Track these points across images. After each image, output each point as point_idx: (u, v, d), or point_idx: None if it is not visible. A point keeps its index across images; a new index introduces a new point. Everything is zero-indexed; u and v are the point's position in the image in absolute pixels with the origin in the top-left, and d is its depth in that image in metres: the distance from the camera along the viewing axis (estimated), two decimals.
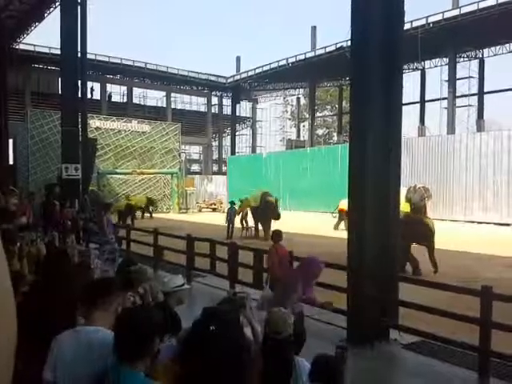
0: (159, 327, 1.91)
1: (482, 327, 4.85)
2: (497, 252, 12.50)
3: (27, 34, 31.23)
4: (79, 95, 15.52)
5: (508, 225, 20.49)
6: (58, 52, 15.11)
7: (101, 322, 2.21)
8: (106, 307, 2.26)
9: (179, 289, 3.53)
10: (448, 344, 5.35)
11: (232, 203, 17.35)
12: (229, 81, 47.71)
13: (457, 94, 34.08)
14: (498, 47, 34.13)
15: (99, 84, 41.33)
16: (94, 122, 28.60)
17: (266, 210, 16.58)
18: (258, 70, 43.88)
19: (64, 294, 2.67)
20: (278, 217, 16.43)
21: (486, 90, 36.01)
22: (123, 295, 2.43)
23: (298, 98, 54.83)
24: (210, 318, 1.62)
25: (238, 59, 51.93)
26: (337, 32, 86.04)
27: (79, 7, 15.10)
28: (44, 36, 32.18)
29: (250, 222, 17.65)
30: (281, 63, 40.93)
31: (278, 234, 6.54)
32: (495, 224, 20.86)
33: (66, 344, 2.17)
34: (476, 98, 35.70)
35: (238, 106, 51.96)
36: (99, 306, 2.26)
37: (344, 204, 18.06)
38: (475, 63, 35.68)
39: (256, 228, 17.12)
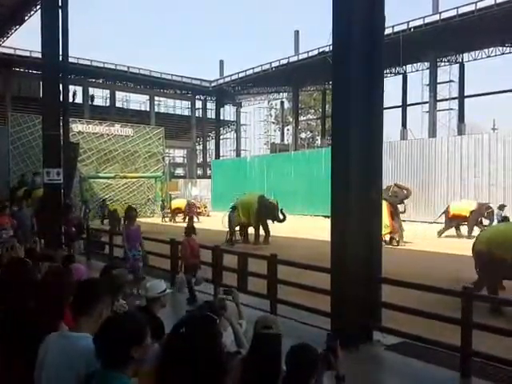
0: (138, 333, 1.89)
1: (463, 328, 4.93)
2: None
3: (7, 38, 30.84)
4: (61, 99, 15.33)
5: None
6: (39, 55, 14.90)
7: (86, 328, 2.19)
8: (91, 312, 2.25)
9: (162, 294, 3.54)
10: (430, 345, 5.41)
11: (233, 208, 17.00)
12: (212, 85, 47.73)
13: (438, 98, 34.59)
14: (477, 52, 34.78)
15: (81, 88, 40.97)
16: (77, 126, 28.28)
17: (268, 211, 16.80)
18: (241, 74, 44.02)
19: (33, 301, 2.66)
20: (283, 219, 17.00)
21: (466, 94, 36.65)
22: (107, 300, 2.41)
23: (282, 102, 55.10)
24: (181, 322, 1.63)
25: (222, 63, 52.01)
26: (319, 36, 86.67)
27: (60, 10, 14.95)
28: (25, 39, 31.94)
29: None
30: (264, 67, 41.12)
31: (190, 228, 8.28)
32: (476, 225, 21.14)
33: (53, 348, 2.18)
34: (457, 101, 36.29)
35: (221, 109, 52.01)
36: (84, 312, 2.25)
37: (458, 208, 17.60)
38: (456, 67, 36.32)
39: (245, 233, 17.11)
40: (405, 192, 16.34)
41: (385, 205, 15.09)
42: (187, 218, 26.24)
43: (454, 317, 5.15)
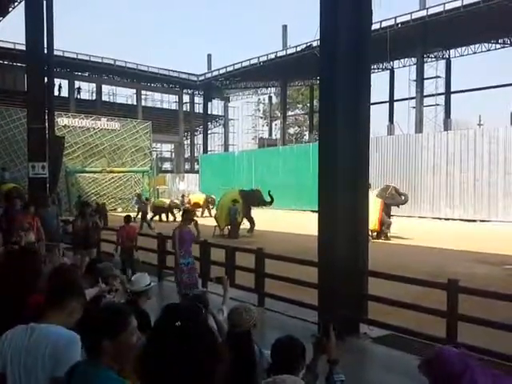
0: (111, 325, 1.88)
1: (448, 319, 4.98)
2: (464, 247, 12.84)
3: None
4: (46, 92, 15.13)
5: (474, 221, 21.08)
6: (24, 48, 14.67)
7: (55, 321, 2.16)
8: (64, 306, 2.22)
9: (148, 287, 3.54)
10: (416, 337, 5.46)
11: (235, 201, 16.94)
12: (200, 79, 47.43)
13: (424, 94, 34.82)
14: (463, 48, 35.06)
15: (67, 81, 40.47)
16: (62, 120, 27.97)
17: (254, 199, 17.37)
18: (229, 69, 43.79)
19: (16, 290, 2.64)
20: (271, 201, 17.58)
21: (452, 90, 36.95)
22: (82, 299, 2.36)
23: (270, 97, 55.04)
24: (169, 314, 1.60)
25: (210, 57, 51.69)
26: (308, 31, 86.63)
27: (44, 1, 14.71)
28: (8, 31, 31.37)
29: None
30: (252, 62, 40.95)
31: (127, 217, 9.26)
32: (461, 220, 21.43)
33: (18, 337, 2.13)
34: (443, 97, 36.57)
35: (209, 104, 51.74)
36: (56, 306, 2.22)
37: None
38: (442, 63, 36.58)
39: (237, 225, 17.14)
40: (402, 198, 16.48)
41: (379, 202, 15.29)
42: (204, 212, 26.09)
43: (439, 309, 5.21)
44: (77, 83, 42.13)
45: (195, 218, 7.97)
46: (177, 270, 7.01)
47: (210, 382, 1.49)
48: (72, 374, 1.89)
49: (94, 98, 43.42)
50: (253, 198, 17.46)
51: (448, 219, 22.01)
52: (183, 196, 28.31)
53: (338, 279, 5.79)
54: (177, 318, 1.54)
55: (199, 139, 53.25)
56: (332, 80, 6.05)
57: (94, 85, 43.51)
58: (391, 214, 16.49)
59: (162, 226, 18.30)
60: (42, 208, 9.91)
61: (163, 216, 23.12)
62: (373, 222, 14.51)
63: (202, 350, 1.52)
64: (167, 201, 24.45)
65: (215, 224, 17.05)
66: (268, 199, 17.79)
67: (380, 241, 14.97)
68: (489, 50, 34.29)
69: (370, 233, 13.86)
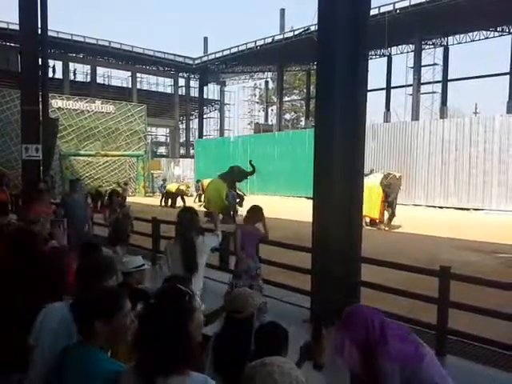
0: (104, 306, 1.90)
1: (440, 306, 5.02)
2: (456, 235, 12.92)
3: None
4: (40, 73, 14.92)
5: (467, 209, 21.19)
6: (17, 27, 14.45)
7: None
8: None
9: (139, 269, 3.53)
10: (407, 322, 5.51)
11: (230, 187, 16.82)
12: (196, 62, 47.01)
13: (422, 81, 34.73)
14: (462, 35, 34.88)
15: (61, 62, 39.99)
16: (56, 102, 27.71)
17: (238, 177, 17.22)
18: (225, 52, 43.39)
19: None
20: (253, 171, 17.45)
21: (449, 78, 36.87)
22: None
23: (267, 82, 54.73)
24: (155, 293, 1.69)
25: (206, 40, 51.19)
26: (306, 16, 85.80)
27: None
28: (1, 10, 30.96)
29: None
30: (249, 45, 40.58)
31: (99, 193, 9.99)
32: (455, 209, 21.55)
33: (53, 314, 2.25)
34: (440, 85, 36.49)
35: (205, 88, 51.38)
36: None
37: None
38: (440, 51, 36.42)
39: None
40: (394, 194, 15.69)
41: (381, 191, 15.32)
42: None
43: (431, 295, 5.25)
44: (71, 65, 41.68)
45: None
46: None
47: (173, 355, 1.57)
48: (65, 355, 1.91)
49: (89, 80, 42.99)
50: (234, 176, 17.16)
51: (442, 207, 22.11)
52: (198, 181, 28.15)
53: (332, 265, 5.81)
54: (154, 298, 1.64)
55: (195, 124, 53.01)
56: (329, 65, 5.99)
57: (89, 67, 43.06)
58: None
59: (163, 212, 18.33)
60: (68, 195, 8.88)
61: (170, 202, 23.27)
62: (370, 209, 14.54)
63: (165, 326, 1.62)
64: (175, 186, 24.22)
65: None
66: (250, 169, 17.48)
67: (374, 228, 15.02)
68: (487, 38, 34.16)
69: (364, 219, 13.99)
